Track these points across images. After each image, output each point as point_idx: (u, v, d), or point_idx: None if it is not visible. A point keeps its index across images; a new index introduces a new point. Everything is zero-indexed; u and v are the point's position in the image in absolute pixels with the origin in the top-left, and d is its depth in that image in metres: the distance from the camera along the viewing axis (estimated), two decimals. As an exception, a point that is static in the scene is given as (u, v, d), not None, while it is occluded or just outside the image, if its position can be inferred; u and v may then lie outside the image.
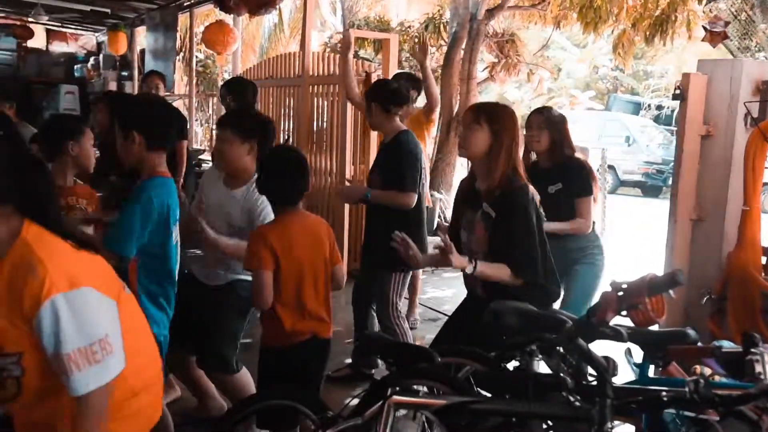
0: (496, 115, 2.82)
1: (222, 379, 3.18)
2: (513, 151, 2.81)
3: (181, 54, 12.95)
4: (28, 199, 1.69)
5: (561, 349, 2.06)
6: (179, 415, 3.49)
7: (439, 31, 11.48)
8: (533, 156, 3.94)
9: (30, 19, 11.88)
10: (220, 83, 14.05)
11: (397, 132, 3.90)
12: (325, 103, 7.15)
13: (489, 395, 2.23)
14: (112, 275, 1.85)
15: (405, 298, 4.29)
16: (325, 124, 7.23)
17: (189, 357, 3.31)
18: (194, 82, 11.16)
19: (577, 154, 3.91)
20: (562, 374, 2.00)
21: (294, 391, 2.52)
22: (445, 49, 9.96)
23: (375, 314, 4.16)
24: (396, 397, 2.16)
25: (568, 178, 3.77)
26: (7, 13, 12.82)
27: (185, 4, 10.22)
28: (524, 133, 3.61)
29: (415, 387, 2.35)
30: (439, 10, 11.92)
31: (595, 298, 3.87)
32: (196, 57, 11.90)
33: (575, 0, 9.18)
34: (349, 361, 4.36)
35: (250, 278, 2.80)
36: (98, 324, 1.67)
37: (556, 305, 3.10)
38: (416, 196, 3.83)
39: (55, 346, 1.61)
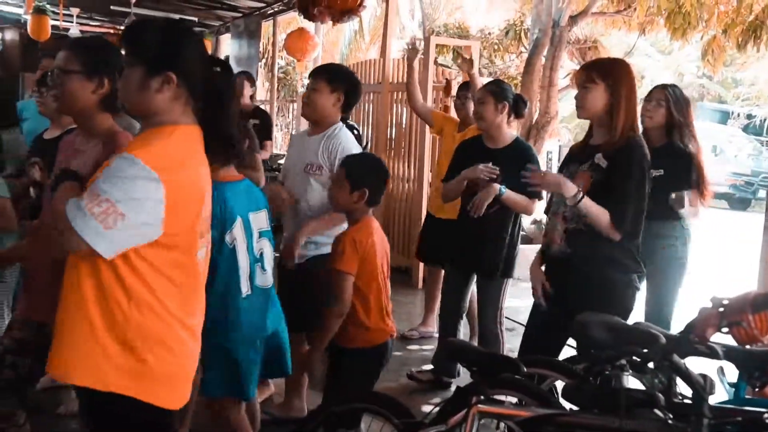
0: (610, 69, 2.80)
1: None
2: (632, 104, 2.77)
3: (263, 60, 13.27)
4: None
5: (653, 365, 2.00)
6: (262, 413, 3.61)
7: (519, 38, 11.37)
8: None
9: (122, 28, 12.44)
10: (300, 89, 14.34)
11: (515, 137, 3.89)
12: (405, 109, 7.18)
13: (575, 408, 2.18)
14: (206, 211, 1.89)
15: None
16: (403, 130, 7.26)
17: (298, 338, 3.36)
18: (275, 88, 11.40)
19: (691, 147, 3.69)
20: (654, 391, 1.94)
21: (376, 395, 2.53)
22: (525, 55, 9.85)
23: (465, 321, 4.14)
24: (481, 406, 2.14)
25: (673, 168, 3.57)
26: (101, 22, 13.46)
27: (269, 12, 10.50)
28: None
29: (499, 397, 2.33)
30: (520, 17, 11.81)
31: (680, 293, 3.83)
32: (278, 64, 12.16)
33: (663, 5, 8.90)
34: (430, 366, 4.35)
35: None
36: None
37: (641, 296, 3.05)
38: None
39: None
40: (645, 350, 2.05)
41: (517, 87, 9.59)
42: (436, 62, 7.56)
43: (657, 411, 1.92)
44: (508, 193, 3.62)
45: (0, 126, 3.61)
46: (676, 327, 3.38)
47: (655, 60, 23.07)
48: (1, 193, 3.51)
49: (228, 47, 12.00)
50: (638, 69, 13.61)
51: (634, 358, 2.07)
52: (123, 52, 1.87)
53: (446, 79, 6.72)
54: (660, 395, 1.90)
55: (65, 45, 2.41)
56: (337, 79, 3.33)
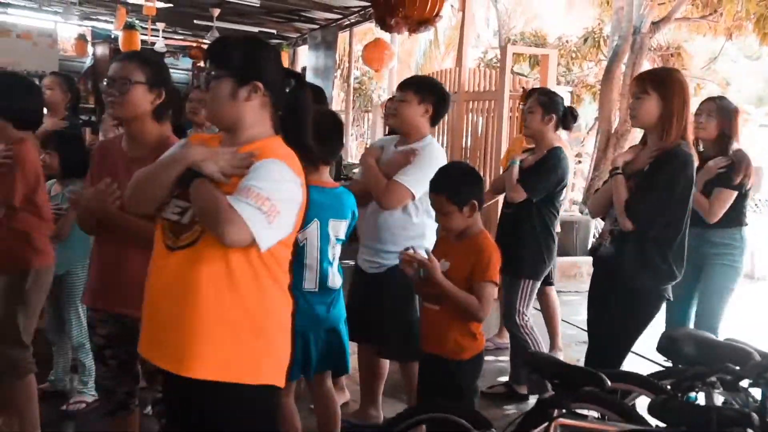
0: (664, 81, 2.85)
1: (406, 367, 3.33)
2: (683, 115, 2.83)
3: (339, 71, 13.46)
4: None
5: (746, 383, 1.92)
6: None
7: (598, 45, 11.16)
8: (700, 146, 3.87)
9: (205, 41, 12.87)
10: (376, 100, 14.47)
11: (552, 147, 3.94)
12: (480, 119, 7.14)
13: (661, 426, 2.12)
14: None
15: (536, 308, 4.20)
16: (478, 138, 7.23)
17: (373, 350, 3.44)
18: (351, 98, 11.54)
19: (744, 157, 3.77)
20: (748, 410, 1.86)
21: (456, 405, 2.51)
22: (604, 63, 9.65)
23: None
24: (562, 420, 2.10)
25: (726, 172, 3.71)
26: (184, 36, 13.97)
27: (345, 23, 10.65)
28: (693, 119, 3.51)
29: (581, 411, 2.28)
30: (599, 24, 11.58)
31: (730, 302, 3.81)
32: (353, 74, 12.31)
33: (752, 9, 8.57)
34: (504, 378, 4.30)
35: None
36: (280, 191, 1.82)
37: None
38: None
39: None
40: (738, 367, 1.97)
41: (595, 95, 9.42)
42: (512, 71, 7.51)
43: (750, 431, 1.84)
44: (514, 168, 3.91)
45: (94, 132, 3.80)
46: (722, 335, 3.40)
47: (742, 66, 22.15)
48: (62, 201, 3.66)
49: (305, 58, 12.23)
50: (724, 75, 13.10)
51: (726, 375, 2.00)
52: (208, 67, 1.96)
53: (523, 87, 6.65)
54: (754, 415, 1.82)
55: (125, 56, 2.55)
56: (426, 91, 3.31)
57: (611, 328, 2.94)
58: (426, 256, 2.59)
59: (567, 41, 12.49)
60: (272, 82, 1.93)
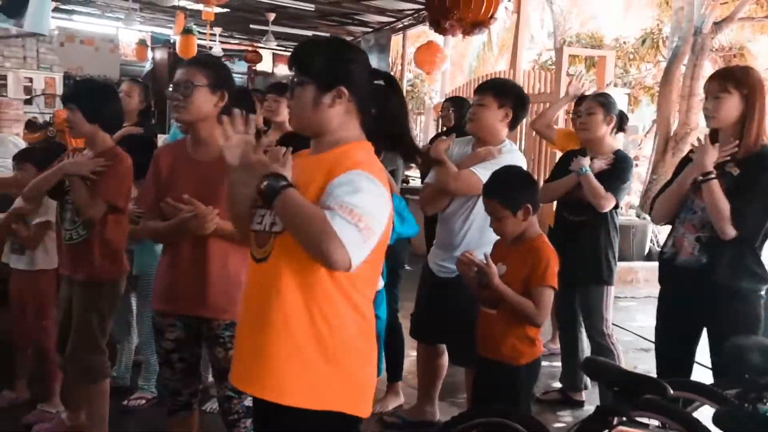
0: (743, 79, 2.76)
1: (469, 372, 3.29)
2: (764, 113, 2.74)
3: (392, 74, 13.49)
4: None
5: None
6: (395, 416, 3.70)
7: (657, 47, 10.91)
8: None
9: (260, 45, 13.07)
10: (428, 102, 14.45)
11: (616, 150, 3.84)
12: (535, 121, 7.06)
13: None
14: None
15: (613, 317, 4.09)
16: (530, 141, 7.17)
17: (437, 349, 3.43)
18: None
19: None
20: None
21: (513, 410, 2.49)
22: (663, 65, 9.44)
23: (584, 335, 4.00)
24: (622, 428, 2.06)
25: None
26: (240, 40, 14.22)
27: (398, 26, 10.67)
28: None
29: (641, 419, 2.23)
30: (658, 25, 11.33)
31: None
32: (405, 77, 12.32)
33: (820, 7, 8.27)
34: (559, 384, 4.24)
35: None
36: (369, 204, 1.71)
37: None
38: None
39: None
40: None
41: (653, 97, 9.21)
42: (567, 73, 7.41)
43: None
44: (590, 176, 3.61)
45: (159, 131, 3.89)
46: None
47: (808, 66, 21.39)
48: None
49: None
50: (789, 76, 12.64)
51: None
52: (293, 73, 1.91)
53: (579, 89, 6.54)
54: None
55: (188, 62, 2.60)
56: (505, 94, 3.21)
57: (693, 337, 2.87)
58: (484, 260, 2.58)
59: (624, 42, 12.25)
60: (358, 86, 1.85)
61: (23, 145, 5.88)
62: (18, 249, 3.58)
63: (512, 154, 3.20)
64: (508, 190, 2.66)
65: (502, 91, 3.22)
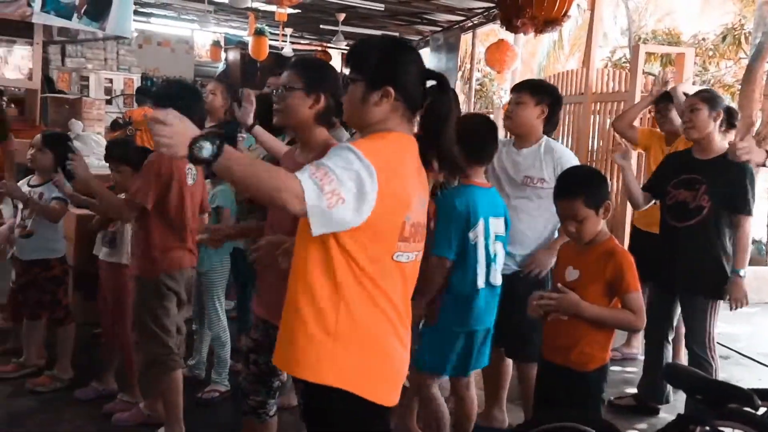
0: None
1: (525, 368, 3.33)
2: None
3: (461, 73, 13.41)
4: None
5: None
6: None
7: (738, 43, 10.49)
8: None
9: (330, 45, 13.21)
10: (497, 102, 14.30)
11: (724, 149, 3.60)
12: (608, 120, 6.90)
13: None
14: (416, 218, 1.91)
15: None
16: (603, 142, 7.00)
17: (499, 352, 3.43)
18: (472, 100, 11.47)
19: None
20: None
21: (587, 415, 2.43)
22: (745, 62, 9.07)
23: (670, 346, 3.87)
24: (705, 438, 1.98)
25: None
26: (310, 41, 14.39)
27: (468, 25, 10.59)
28: None
29: (724, 429, 2.14)
30: (740, 20, 10.89)
31: None
32: (475, 76, 12.23)
33: None
34: (632, 390, 4.13)
35: None
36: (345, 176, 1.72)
37: None
38: None
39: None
40: None
41: (734, 96, 8.88)
42: (643, 71, 7.20)
43: None
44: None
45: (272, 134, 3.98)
46: None
47: None
48: (221, 201, 3.85)
49: (426, 61, 12.26)
50: None
51: None
52: (347, 70, 1.98)
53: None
54: None
55: (289, 65, 2.59)
56: (542, 92, 3.34)
57: None
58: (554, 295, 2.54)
59: (703, 39, 11.82)
60: (406, 86, 1.91)
61: (104, 143, 6.12)
62: (108, 242, 3.71)
63: (556, 144, 3.33)
64: (591, 187, 2.59)
65: (539, 90, 3.35)
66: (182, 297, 3.24)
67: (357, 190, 1.72)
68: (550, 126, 3.40)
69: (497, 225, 2.96)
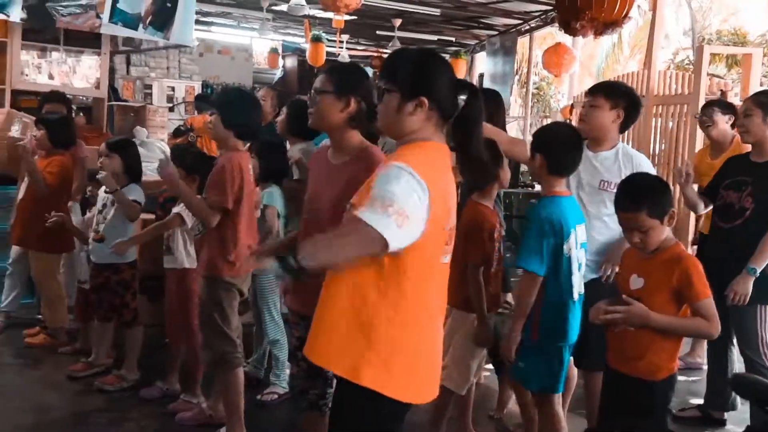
0: None
1: (592, 377, 3.25)
2: None
3: (517, 76, 13.31)
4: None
5: None
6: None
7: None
8: None
9: (385, 51, 13.27)
10: (554, 105, 14.14)
11: None
12: (671, 123, 6.74)
13: None
14: (452, 222, 2.01)
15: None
16: (664, 145, 6.85)
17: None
18: (529, 104, 11.36)
19: None
20: None
21: (653, 426, 2.38)
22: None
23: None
24: (776, 452, 1.92)
25: None
26: (366, 46, 14.49)
27: (525, 29, 10.50)
28: None
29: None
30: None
31: None
32: (532, 80, 12.12)
33: None
34: (697, 401, 4.02)
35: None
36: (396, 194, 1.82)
37: None
38: None
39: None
40: None
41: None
42: (708, 73, 7.00)
43: None
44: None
45: (303, 139, 4.05)
46: None
47: None
48: (267, 201, 3.90)
49: (483, 65, 12.21)
50: None
51: None
52: (382, 80, 2.03)
53: (721, 90, 6.19)
54: None
55: (323, 70, 2.67)
56: (617, 95, 3.23)
57: None
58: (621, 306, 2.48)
59: (772, 38, 11.42)
60: (440, 96, 1.97)
61: (167, 149, 6.29)
62: (166, 249, 3.83)
63: (631, 149, 3.23)
64: (654, 197, 2.53)
65: (614, 92, 3.25)
66: (247, 298, 3.31)
67: (416, 206, 1.82)
68: (624, 129, 3.33)
69: (581, 233, 2.89)
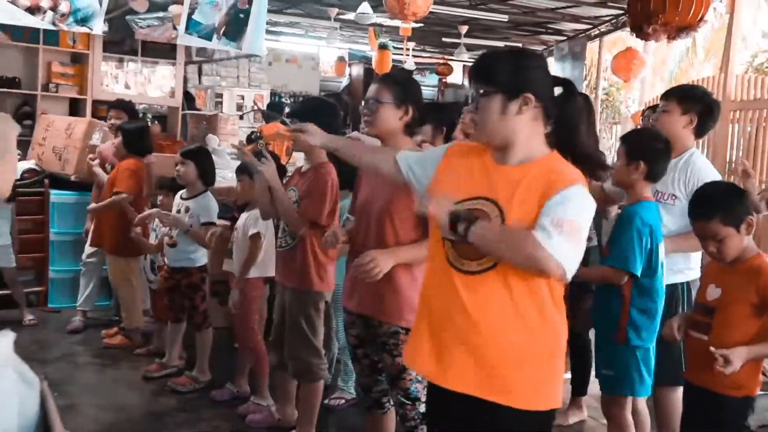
0: None
1: (667, 393, 3.18)
2: None
3: (586, 82, 13.07)
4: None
5: None
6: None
7: None
8: None
9: (451, 57, 13.25)
10: (624, 111, 13.82)
11: None
12: (749, 129, 6.52)
13: None
14: None
15: None
16: (741, 152, 6.61)
17: None
18: (598, 110, 11.15)
19: None
20: None
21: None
22: None
23: None
24: None
25: None
26: (432, 54, 14.50)
27: (594, 33, 10.32)
28: None
29: None
30: None
31: None
32: (601, 85, 11.88)
33: None
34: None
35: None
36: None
37: None
38: None
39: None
40: None
41: None
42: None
43: None
44: None
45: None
46: None
47: None
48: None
49: (551, 70, 12.02)
50: None
51: None
52: (475, 86, 1.95)
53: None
54: None
55: (378, 79, 2.73)
56: (690, 100, 3.16)
57: None
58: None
59: None
60: (542, 92, 1.88)
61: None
62: (229, 253, 3.92)
63: (696, 157, 3.14)
64: (727, 204, 2.45)
65: (688, 97, 3.20)
66: (330, 312, 3.36)
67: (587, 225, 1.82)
68: (700, 134, 3.26)
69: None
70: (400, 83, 2.65)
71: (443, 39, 11.80)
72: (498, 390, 1.84)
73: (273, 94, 13.30)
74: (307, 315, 3.20)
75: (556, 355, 1.91)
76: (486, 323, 1.84)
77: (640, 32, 6.32)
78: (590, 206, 1.82)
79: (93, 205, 4.86)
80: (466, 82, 15.55)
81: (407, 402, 2.59)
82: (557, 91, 1.95)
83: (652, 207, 2.82)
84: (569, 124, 1.92)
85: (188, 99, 9.73)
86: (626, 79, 9.38)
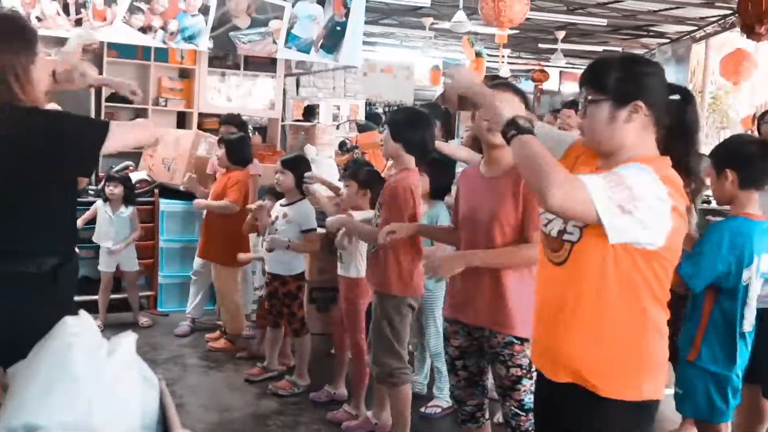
0: None
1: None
2: None
3: (691, 86, 12.56)
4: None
5: None
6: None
7: None
8: None
9: (546, 63, 13.06)
10: (733, 116, 13.17)
11: None
12: None
13: None
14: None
15: None
16: None
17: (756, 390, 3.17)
18: (705, 114, 10.69)
19: None
20: None
21: None
22: None
23: None
24: None
25: None
26: (527, 60, 14.33)
27: (699, 35, 9.92)
28: None
29: None
30: None
31: None
32: (708, 89, 11.38)
33: None
34: None
35: None
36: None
37: None
38: None
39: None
40: None
41: None
42: None
43: None
44: None
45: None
46: None
47: None
48: (438, 218, 3.94)
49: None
50: None
51: None
52: (584, 92, 1.90)
53: None
54: None
55: (500, 86, 2.67)
56: None
57: None
58: None
59: None
60: (654, 99, 1.82)
61: (335, 165, 6.57)
62: (339, 257, 3.99)
63: None
64: None
65: None
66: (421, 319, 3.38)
67: (647, 198, 1.70)
68: None
69: (765, 262, 2.68)
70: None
71: (539, 45, 11.65)
72: (593, 377, 1.84)
73: (368, 103, 13.51)
74: (390, 319, 3.23)
75: (650, 347, 1.85)
76: (563, 314, 1.87)
77: (752, 32, 6.05)
78: (645, 178, 1.70)
79: (203, 201, 5.03)
80: (562, 88, 15.26)
81: (521, 413, 2.56)
82: (673, 98, 1.89)
83: (747, 224, 2.64)
84: (685, 137, 1.88)
85: (310, 113, 10.24)
86: (735, 81, 8.98)
